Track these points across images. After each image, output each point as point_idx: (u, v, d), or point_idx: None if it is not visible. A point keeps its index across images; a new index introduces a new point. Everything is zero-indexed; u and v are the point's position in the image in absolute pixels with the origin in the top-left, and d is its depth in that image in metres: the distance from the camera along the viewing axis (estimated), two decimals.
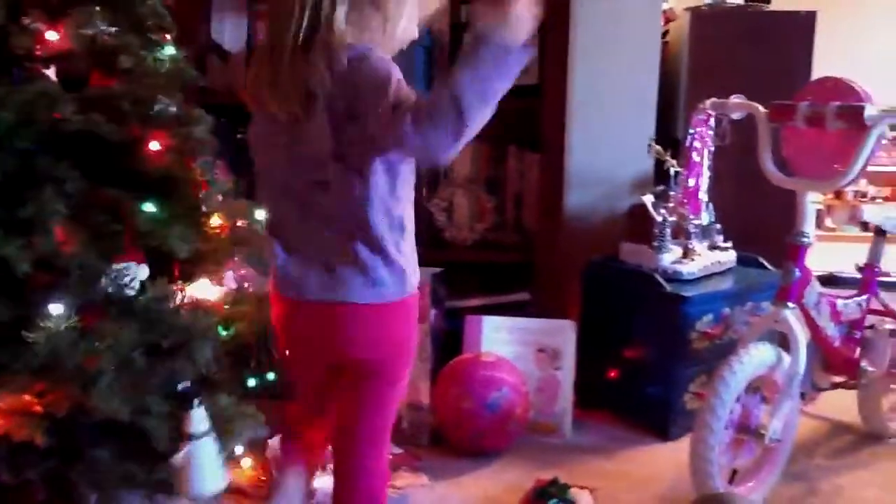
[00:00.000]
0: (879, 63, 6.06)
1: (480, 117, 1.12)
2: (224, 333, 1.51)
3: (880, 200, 6.10)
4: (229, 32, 2.58)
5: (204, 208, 1.65)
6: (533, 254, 2.38)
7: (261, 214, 1.83)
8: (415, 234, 1.34)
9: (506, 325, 2.25)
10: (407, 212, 1.31)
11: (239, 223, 1.80)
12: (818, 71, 2.60)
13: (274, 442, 1.93)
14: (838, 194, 6.09)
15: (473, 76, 1.10)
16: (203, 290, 1.54)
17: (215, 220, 1.65)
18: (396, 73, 1.19)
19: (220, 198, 1.77)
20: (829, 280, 3.30)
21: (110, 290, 1.38)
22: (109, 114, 1.46)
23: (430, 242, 2.49)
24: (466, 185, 2.47)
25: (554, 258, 2.35)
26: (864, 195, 6.14)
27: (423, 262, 2.28)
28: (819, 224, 6.11)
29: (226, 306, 1.55)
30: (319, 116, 1.21)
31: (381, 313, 1.29)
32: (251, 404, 1.70)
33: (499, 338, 2.24)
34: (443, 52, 2.45)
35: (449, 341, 2.27)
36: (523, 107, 2.37)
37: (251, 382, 1.82)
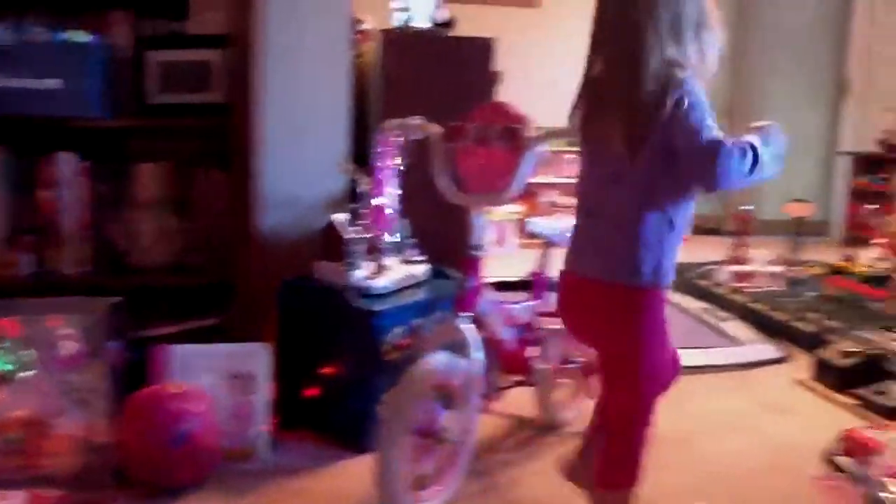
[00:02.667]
0: (555, 86, 6.78)
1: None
2: None
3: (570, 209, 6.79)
4: None
5: None
6: (226, 277, 2.31)
7: None
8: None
9: (196, 352, 2.16)
10: (678, 214, 1.59)
11: None
12: (504, 94, 2.81)
13: None
14: (533, 205, 6.68)
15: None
16: None
17: None
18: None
19: None
20: (524, 285, 3.56)
21: None
22: None
23: (112, 268, 2.34)
24: (152, 207, 2.35)
25: (248, 281, 2.31)
26: (554, 204, 6.79)
27: (104, 291, 2.15)
28: (521, 232, 6.65)
29: None
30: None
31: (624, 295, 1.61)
32: None
33: (189, 366, 2.15)
34: (123, 65, 2.33)
35: (136, 374, 2.14)
36: (211, 126, 2.31)
37: None
